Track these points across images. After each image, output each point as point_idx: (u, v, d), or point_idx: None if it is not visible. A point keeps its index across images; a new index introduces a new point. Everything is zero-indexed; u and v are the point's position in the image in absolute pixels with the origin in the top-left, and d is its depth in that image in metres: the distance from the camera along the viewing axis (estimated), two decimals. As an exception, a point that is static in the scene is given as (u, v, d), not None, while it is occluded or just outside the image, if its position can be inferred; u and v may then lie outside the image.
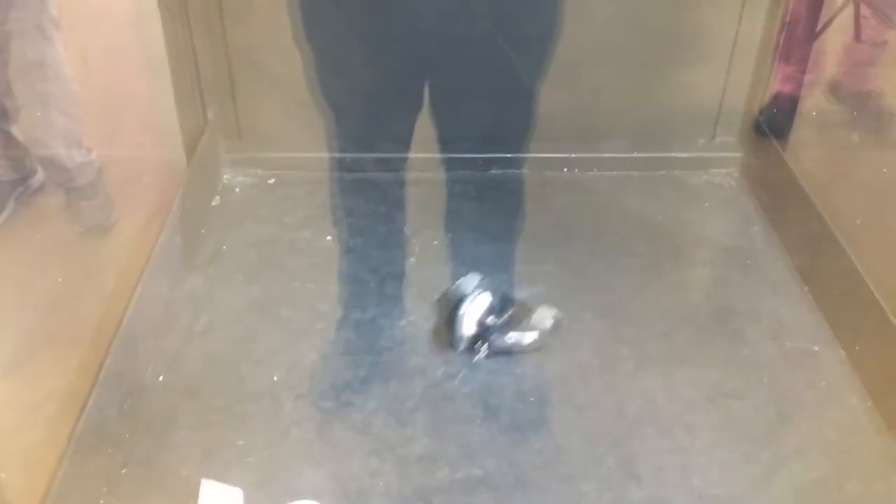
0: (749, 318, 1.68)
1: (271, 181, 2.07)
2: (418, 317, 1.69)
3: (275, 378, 1.53)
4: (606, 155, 2.10)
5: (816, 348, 1.62)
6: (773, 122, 2.06)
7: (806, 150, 2.09)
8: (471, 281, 1.65)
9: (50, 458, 1.30)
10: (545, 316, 1.61)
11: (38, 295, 1.72)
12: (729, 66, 2.01)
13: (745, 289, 1.77)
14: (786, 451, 1.41)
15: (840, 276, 1.66)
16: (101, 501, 1.30)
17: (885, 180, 1.80)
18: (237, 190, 2.05)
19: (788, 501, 1.33)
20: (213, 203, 2.00)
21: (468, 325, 1.57)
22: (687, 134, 2.11)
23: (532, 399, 1.52)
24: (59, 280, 1.79)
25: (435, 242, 1.89)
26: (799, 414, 1.48)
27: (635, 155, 2.10)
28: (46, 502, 1.24)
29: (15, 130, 1.95)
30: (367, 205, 1.97)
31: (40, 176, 2.09)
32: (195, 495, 1.31)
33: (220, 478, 1.34)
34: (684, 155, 2.11)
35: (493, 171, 2.07)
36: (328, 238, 1.89)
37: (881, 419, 1.46)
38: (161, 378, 1.52)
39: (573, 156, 2.10)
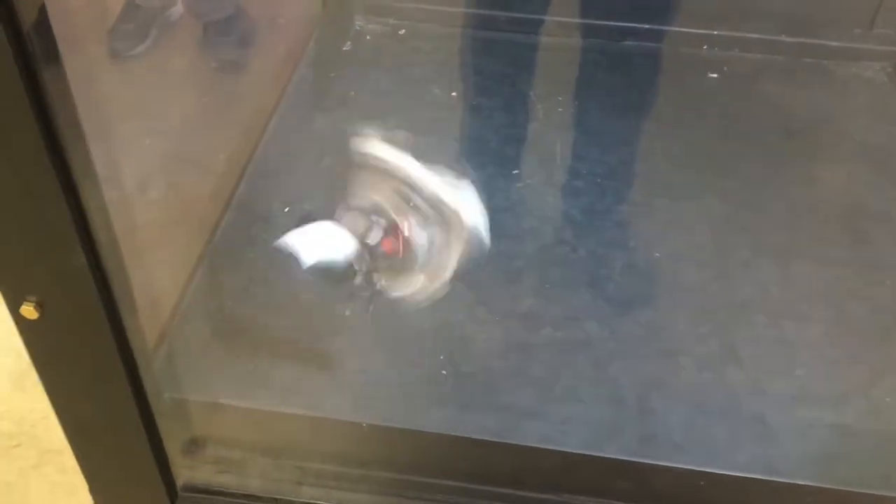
0: (880, 218, 1.61)
1: (402, 31, 2.06)
2: (535, 181, 1.69)
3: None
4: (751, 35, 1.98)
5: (948, 258, 1.55)
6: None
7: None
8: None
9: (182, 274, 1.41)
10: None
11: (173, 122, 1.81)
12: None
13: (881, 190, 1.69)
14: (896, 357, 1.38)
15: None
16: (228, 315, 1.40)
17: None
18: (368, 37, 2.05)
19: (890, 408, 1.30)
20: (345, 48, 2.02)
21: None
22: (842, 20, 1.97)
23: (641, 274, 1.52)
24: (194, 110, 1.87)
25: (560, 109, 1.87)
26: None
27: (782, 38, 1.98)
28: (179, 309, 1.36)
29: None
30: (496, 65, 1.95)
31: (179, 7, 2.14)
32: (313, 319, 1.39)
33: (334, 309, 1.41)
34: (836, 44, 1.97)
35: (628, 42, 2.00)
36: (453, 94, 1.89)
37: None
38: (287, 210, 1.59)
39: (715, 33, 1.99)
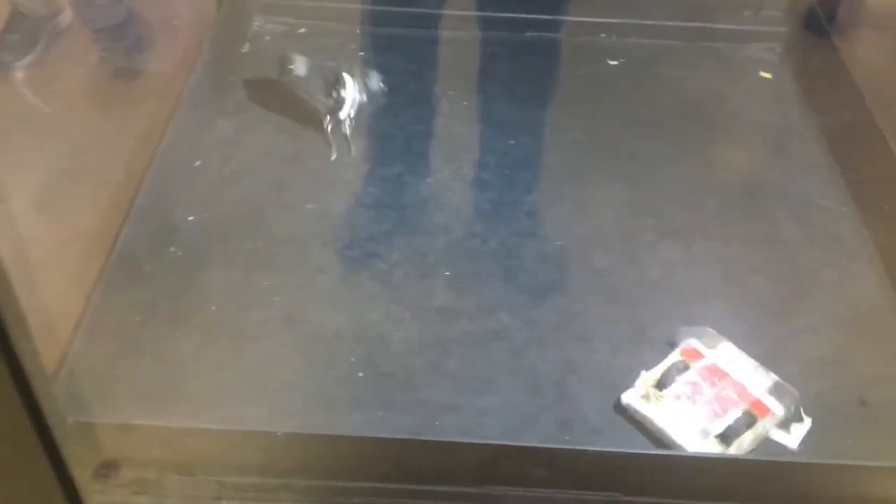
0: (777, 196, 1.67)
1: (302, 30, 2.03)
2: (444, 176, 1.69)
3: (302, 225, 1.55)
4: (647, 22, 2.03)
5: (841, 230, 1.61)
6: (824, -2, 1.99)
7: (855, 32, 2.02)
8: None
9: (80, 292, 1.35)
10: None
11: (67, 134, 1.74)
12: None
13: (777, 167, 1.75)
14: (798, 328, 1.43)
15: (876, 162, 1.64)
16: (133, 331, 1.36)
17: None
18: (267, 38, 2.02)
19: (794, 376, 1.35)
20: (243, 50, 1.98)
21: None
22: (733, 4, 2.04)
23: (552, 262, 1.54)
24: (88, 120, 1.80)
25: (465, 103, 1.87)
26: (815, 292, 1.49)
27: (677, 23, 2.03)
28: (80, 329, 1.31)
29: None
30: (399, 61, 1.94)
31: (69, 14, 2.06)
32: (222, 329, 1.36)
33: (246, 318, 1.39)
34: (727, 26, 2.04)
35: (528, 34, 2.02)
36: (358, 92, 1.87)
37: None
38: (191, 219, 1.55)
39: (612, 21, 2.03)
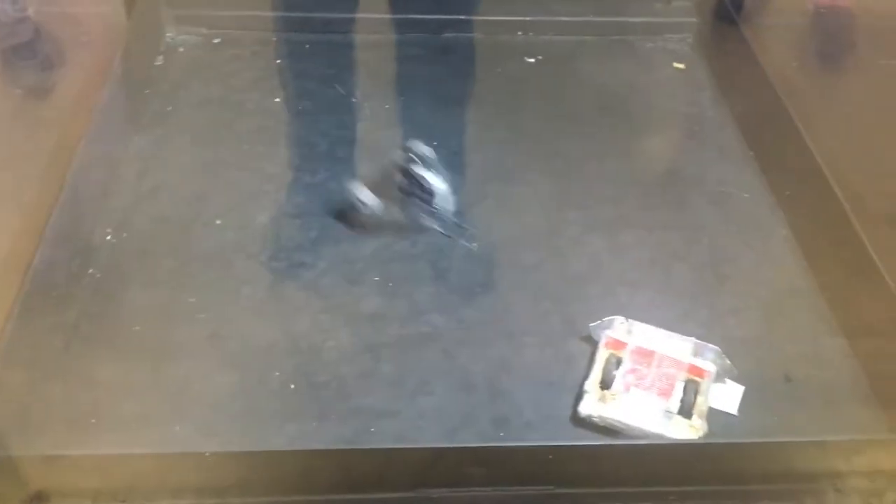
0: (694, 182, 1.72)
1: (217, 40, 2.00)
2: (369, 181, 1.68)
3: (225, 239, 1.53)
4: (562, 18, 2.06)
5: (758, 212, 1.66)
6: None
7: (762, 20, 2.08)
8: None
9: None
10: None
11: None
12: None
13: (692, 154, 1.80)
14: (722, 310, 1.47)
15: (786, 144, 1.69)
16: (54, 357, 1.32)
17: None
18: (181, 49, 1.98)
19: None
20: (157, 63, 1.93)
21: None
22: (643, -3, 2.09)
23: (480, 261, 1.55)
24: (-1, 142, 1.74)
25: (386, 106, 1.87)
26: (736, 274, 1.54)
27: (591, 19, 2.07)
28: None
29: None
30: (317, 67, 1.93)
31: (-28, 33, 1.99)
32: (146, 349, 1.33)
33: (172, 336, 1.36)
34: (640, 19, 2.08)
35: (446, 35, 2.03)
36: (276, 100, 1.85)
37: (816, 284, 1.52)
38: (109, 238, 1.51)
39: (528, 19, 2.06)
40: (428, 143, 1.76)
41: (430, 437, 1.23)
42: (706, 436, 1.21)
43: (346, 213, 1.56)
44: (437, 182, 1.49)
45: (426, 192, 1.49)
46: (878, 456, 1.20)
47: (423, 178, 1.47)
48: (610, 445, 1.14)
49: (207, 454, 1.04)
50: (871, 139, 1.80)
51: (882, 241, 1.47)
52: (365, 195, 1.53)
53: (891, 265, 1.40)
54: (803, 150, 1.65)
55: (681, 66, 2.02)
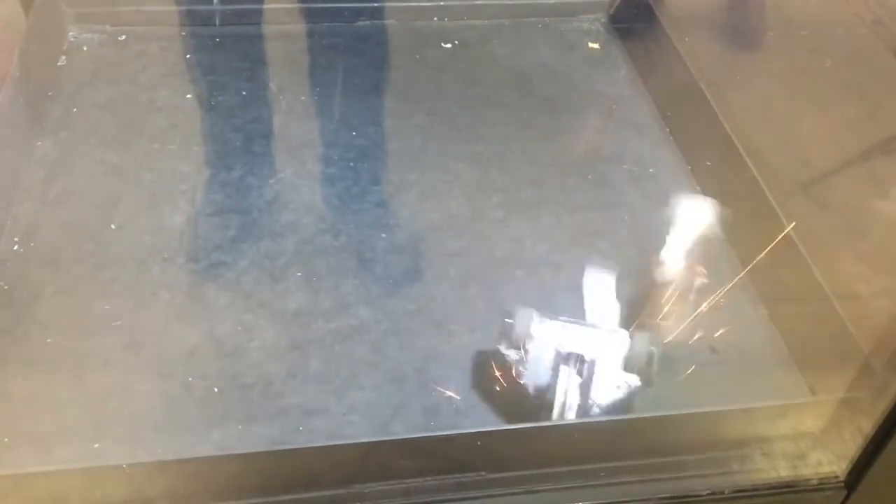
0: (613, 160, 1.73)
1: (122, 37, 1.93)
2: (288, 174, 1.65)
3: (140, 242, 1.48)
4: (476, 2, 2.05)
5: (675, 187, 1.69)
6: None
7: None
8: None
9: None
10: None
11: None
12: None
13: (610, 133, 1.81)
14: (647, 287, 1.48)
15: (700, 119, 1.72)
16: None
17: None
18: (85, 48, 1.90)
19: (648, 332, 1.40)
20: (59, 63, 1.85)
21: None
22: (556, -22, 2.09)
23: (404, 251, 1.53)
24: None
25: (302, 98, 1.83)
26: (659, 252, 1.55)
27: (505, 2, 2.07)
28: None
29: None
30: (228, 61, 1.88)
31: None
32: (62, 362, 1.28)
33: (88, 347, 1.31)
34: (553, 1, 2.09)
35: (360, 23, 2.00)
36: (188, 96, 1.80)
37: (734, 254, 1.55)
38: (16, 248, 1.45)
39: (442, 4, 2.04)
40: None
41: (360, 432, 1.22)
42: (633, 410, 1.22)
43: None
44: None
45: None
46: (801, 418, 1.23)
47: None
48: (538, 427, 1.14)
49: (126, 466, 1.01)
50: (782, 111, 1.85)
51: (795, 210, 1.51)
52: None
53: (803, 233, 1.43)
54: (717, 126, 1.68)
55: (595, 45, 2.04)
